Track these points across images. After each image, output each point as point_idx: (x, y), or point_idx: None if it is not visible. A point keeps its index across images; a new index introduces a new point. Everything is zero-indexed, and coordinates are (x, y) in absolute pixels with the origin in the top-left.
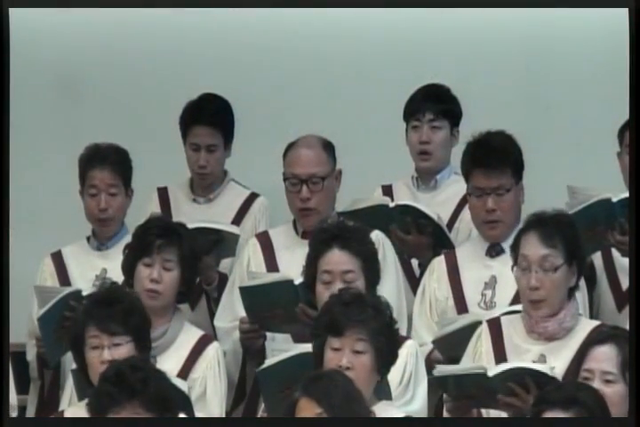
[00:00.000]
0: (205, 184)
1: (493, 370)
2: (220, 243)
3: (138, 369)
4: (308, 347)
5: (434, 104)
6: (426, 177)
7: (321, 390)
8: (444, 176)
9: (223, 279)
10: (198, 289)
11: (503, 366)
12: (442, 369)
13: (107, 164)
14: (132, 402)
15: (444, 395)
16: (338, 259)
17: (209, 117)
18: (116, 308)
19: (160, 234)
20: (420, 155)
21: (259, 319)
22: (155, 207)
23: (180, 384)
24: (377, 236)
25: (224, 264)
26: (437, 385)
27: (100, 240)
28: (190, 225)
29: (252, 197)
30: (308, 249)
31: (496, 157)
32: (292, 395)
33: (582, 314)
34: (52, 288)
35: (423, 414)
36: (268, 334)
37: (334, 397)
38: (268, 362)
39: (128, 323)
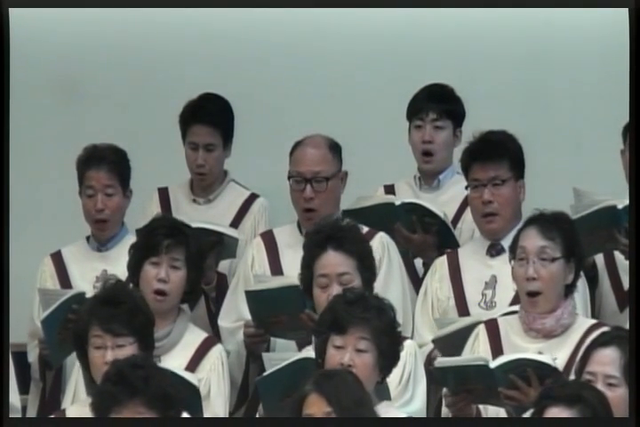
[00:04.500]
0: (204, 184)
1: (495, 362)
2: (220, 245)
3: (139, 367)
4: (305, 353)
5: (437, 104)
6: (428, 177)
7: (333, 389)
8: (446, 176)
9: (222, 279)
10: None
11: (505, 358)
12: (443, 361)
13: (103, 164)
14: (133, 401)
15: (444, 389)
16: (333, 261)
17: (208, 116)
18: (121, 308)
19: (167, 234)
20: (422, 156)
21: (264, 324)
22: (155, 208)
23: (190, 377)
24: (382, 238)
25: (223, 264)
26: (438, 377)
27: (99, 241)
28: (192, 225)
29: (252, 197)
30: (303, 252)
31: (493, 150)
32: (301, 389)
33: (579, 313)
34: (56, 291)
35: (422, 413)
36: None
37: (345, 398)
38: (268, 370)
39: (132, 323)
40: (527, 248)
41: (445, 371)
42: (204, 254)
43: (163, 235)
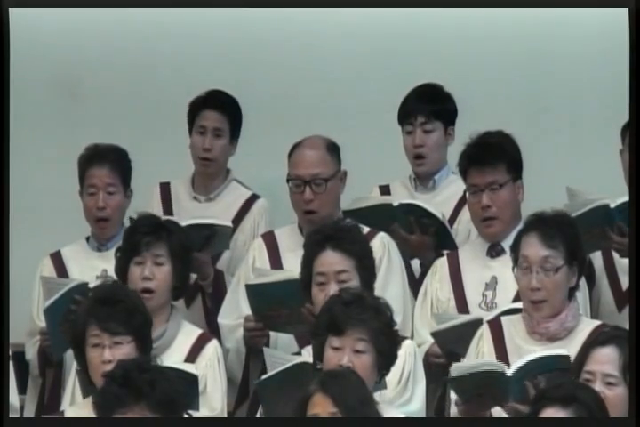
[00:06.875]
0: (207, 172)
1: (512, 367)
2: (213, 237)
3: (145, 371)
4: (303, 357)
5: (425, 106)
6: (423, 178)
7: (338, 389)
8: (442, 176)
9: (219, 275)
10: (194, 287)
11: (521, 361)
12: (458, 367)
13: (105, 162)
14: (139, 404)
15: (455, 398)
16: (331, 259)
17: (219, 102)
18: (118, 307)
19: (147, 231)
20: (415, 159)
21: (264, 318)
22: (156, 203)
23: (188, 368)
24: (382, 238)
25: (222, 262)
26: (455, 386)
27: (99, 241)
28: (182, 223)
29: (253, 198)
30: (303, 251)
31: (490, 154)
32: (306, 389)
33: (582, 314)
34: (59, 280)
35: (422, 413)
36: (272, 334)
37: (350, 398)
38: (268, 372)
39: (130, 323)
40: (529, 258)
41: (462, 380)
42: (189, 248)
43: (142, 233)
